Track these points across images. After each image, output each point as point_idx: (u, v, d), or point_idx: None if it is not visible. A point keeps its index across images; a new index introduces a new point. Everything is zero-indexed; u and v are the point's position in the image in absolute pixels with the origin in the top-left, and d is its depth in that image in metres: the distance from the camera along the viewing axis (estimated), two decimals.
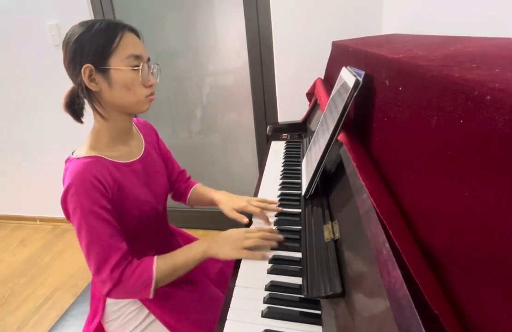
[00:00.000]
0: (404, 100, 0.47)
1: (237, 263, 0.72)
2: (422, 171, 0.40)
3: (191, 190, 1.05)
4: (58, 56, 2.01)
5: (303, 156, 1.01)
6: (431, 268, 0.36)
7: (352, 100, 0.63)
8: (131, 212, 0.78)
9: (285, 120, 1.53)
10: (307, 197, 0.82)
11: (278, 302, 0.60)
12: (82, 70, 0.70)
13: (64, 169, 0.74)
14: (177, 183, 1.06)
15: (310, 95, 1.40)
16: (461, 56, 0.44)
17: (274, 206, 0.88)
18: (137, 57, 0.74)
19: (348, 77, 0.69)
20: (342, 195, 0.66)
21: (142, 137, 0.91)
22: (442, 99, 0.35)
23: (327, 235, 0.64)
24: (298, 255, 0.71)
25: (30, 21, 1.97)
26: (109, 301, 0.84)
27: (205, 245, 0.76)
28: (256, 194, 0.99)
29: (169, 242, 0.98)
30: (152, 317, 0.82)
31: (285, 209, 0.88)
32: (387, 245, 0.38)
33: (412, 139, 0.44)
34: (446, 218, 0.34)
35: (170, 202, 1.02)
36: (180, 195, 1.07)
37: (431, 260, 0.36)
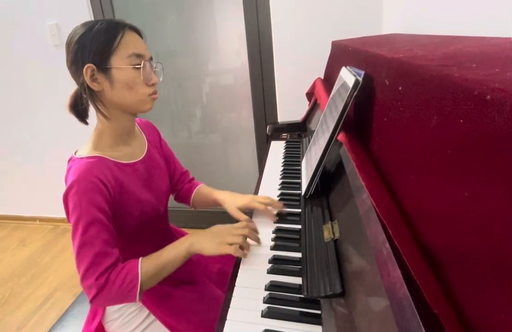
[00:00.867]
0: (404, 100, 0.47)
1: (237, 262, 0.72)
2: (422, 171, 0.40)
3: (194, 191, 1.04)
4: (58, 56, 2.04)
5: (303, 156, 1.01)
6: (431, 268, 0.36)
7: (352, 100, 0.63)
8: (132, 213, 0.78)
9: (285, 120, 1.53)
10: (307, 197, 0.82)
11: (278, 302, 0.60)
12: (84, 70, 0.70)
13: (67, 168, 0.74)
14: (180, 184, 1.05)
15: (310, 95, 1.40)
16: (461, 55, 0.44)
17: (279, 203, 0.88)
18: (139, 56, 0.74)
19: (348, 77, 0.69)
20: (342, 195, 0.66)
21: (144, 137, 0.91)
22: (442, 99, 0.35)
23: (327, 235, 0.64)
24: (298, 255, 0.71)
25: (30, 21, 1.97)
26: None
27: (189, 241, 0.75)
28: (255, 194, 0.99)
29: (170, 242, 0.97)
30: (152, 317, 0.82)
31: (285, 209, 0.88)
32: (387, 245, 0.38)
33: (412, 139, 0.44)
34: (446, 218, 0.34)
35: (172, 202, 1.02)
36: (183, 197, 1.06)
37: (431, 260, 0.36)
